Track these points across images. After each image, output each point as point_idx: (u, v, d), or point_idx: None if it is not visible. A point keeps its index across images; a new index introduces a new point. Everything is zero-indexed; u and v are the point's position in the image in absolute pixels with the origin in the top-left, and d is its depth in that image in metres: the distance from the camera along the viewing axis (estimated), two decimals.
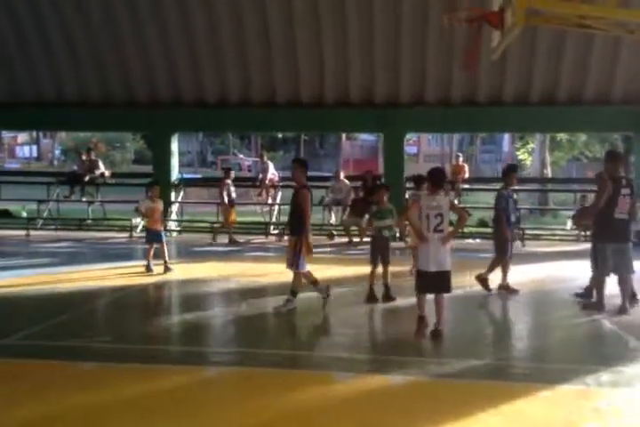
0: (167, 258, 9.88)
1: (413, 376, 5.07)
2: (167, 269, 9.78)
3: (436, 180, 6.26)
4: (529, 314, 8.01)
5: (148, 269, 9.74)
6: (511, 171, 8.74)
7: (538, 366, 5.50)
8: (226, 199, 13.82)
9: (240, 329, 6.88)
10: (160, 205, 10.09)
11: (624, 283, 7.23)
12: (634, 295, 7.53)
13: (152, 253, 9.85)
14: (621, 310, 7.14)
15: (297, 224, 7.27)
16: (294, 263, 7.22)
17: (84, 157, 16.62)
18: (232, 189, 14.00)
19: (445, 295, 6.30)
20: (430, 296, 6.29)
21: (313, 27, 13.39)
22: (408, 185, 14.59)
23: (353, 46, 13.60)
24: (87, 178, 15.81)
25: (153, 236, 9.92)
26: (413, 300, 6.54)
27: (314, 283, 7.48)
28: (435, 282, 6.09)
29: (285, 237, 8.15)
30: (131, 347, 5.87)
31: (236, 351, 5.84)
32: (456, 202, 11.94)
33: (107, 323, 7.21)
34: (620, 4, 5.81)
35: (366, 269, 8.04)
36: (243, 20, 13.47)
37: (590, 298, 7.68)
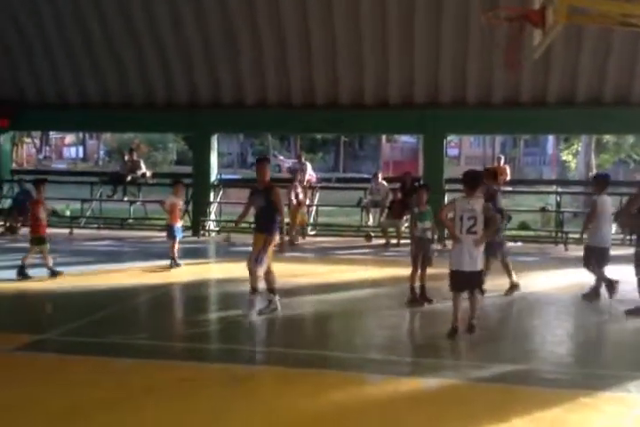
0: (176, 254, 10.17)
1: (447, 379, 5.01)
2: (174, 265, 10.02)
3: (470, 183, 6.38)
4: (569, 319, 7.82)
5: (174, 264, 10.03)
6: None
7: (576, 372, 5.38)
8: (294, 201, 13.75)
9: (274, 329, 6.91)
10: (180, 201, 10.65)
11: None
12: None
13: (176, 247, 10.19)
14: None
15: (269, 222, 7.09)
16: (258, 259, 7.01)
17: (126, 158, 16.96)
18: (299, 190, 13.98)
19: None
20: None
21: (352, 28, 13.36)
22: (447, 187, 14.52)
23: (392, 47, 13.51)
24: (129, 178, 16.11)
25: (173, 231, 10.20)
26: (450, 302, 6.47)
27: (270, 290, 7.26)
28: (468, 281, 6.30)
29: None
30: (167, 344, 5.95)
31: (270, 351, 5.88)
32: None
33: (145, 320, 7.33)
34: None
35: (402, 271, 7.99)
36: (281, 22, 13.53)
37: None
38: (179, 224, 10.57)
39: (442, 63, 13.55)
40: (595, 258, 8.10)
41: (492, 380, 5.05)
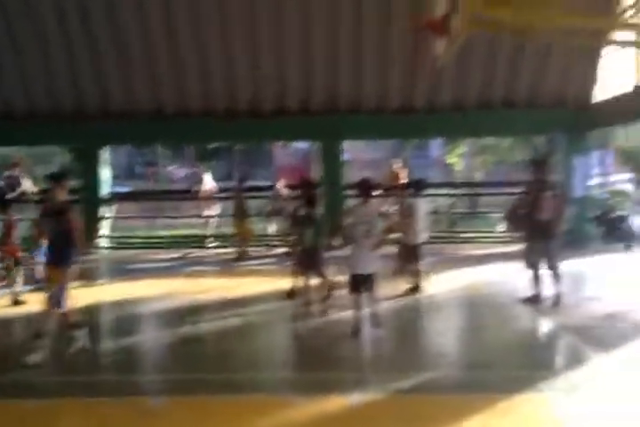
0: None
1: (371, 394, 4.95)
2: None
3: (365, 190, 6.86)
4: (472, 320, 8.06)
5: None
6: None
7: (489, 376, 5.47)
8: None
9: (178, 353, 6.54)
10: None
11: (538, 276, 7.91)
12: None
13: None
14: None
15: (64, 251, 6.16)
16: (59, 301, 6.12)
17: (6, 174, 15.72)
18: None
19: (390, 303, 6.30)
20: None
21: (249, 34, 13.13)
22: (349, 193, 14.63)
23: (290, 55, 13.42)
24: (11, 195, 14.93)
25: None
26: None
27: (71, 326, 6.44)
28: (364, 283, 6.66)
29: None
30: (62, 379, 5.47)
31: (178, 379, 5.53)
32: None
33: (45, 352, 6.73)
34: (566, 12, 5.90)
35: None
36: (175, 27, 13.04)
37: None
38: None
39: (339, 70, 13.66)
40: (411, 254, 8.65)
41: (412, 390, 5.05)
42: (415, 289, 8.83)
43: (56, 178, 6.51)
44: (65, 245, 6.14)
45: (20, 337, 7.17)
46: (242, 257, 12.88)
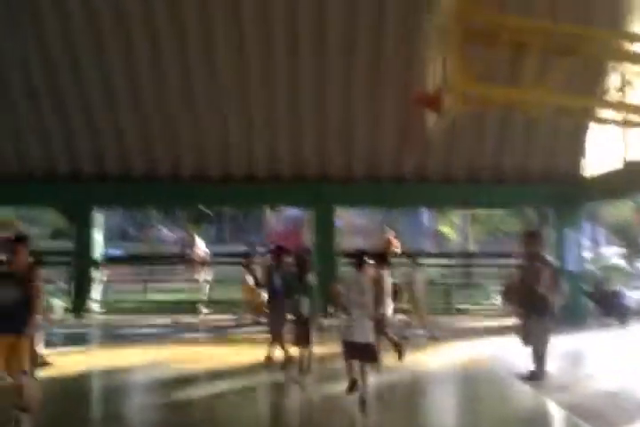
0: None
1: None
2: None
3: (359, 260, 6.97)
4: (473, 396, 7.85)
5: None
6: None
7: None
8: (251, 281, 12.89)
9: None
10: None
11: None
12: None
13: None
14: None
15: (24, 317, 5.74)
16: (24, 371, 5.69)
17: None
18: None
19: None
20: None
21: (241, 98, 13.45)
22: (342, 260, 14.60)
23: (281, 122, 13.72)
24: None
25: None
26: None
27: (23, 409, 5.75)
28: (359, 351, 6.61)
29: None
30: None
31: None
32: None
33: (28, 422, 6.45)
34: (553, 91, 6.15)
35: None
36: (167, 91, 13.29)
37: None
38: None
39: (330, 138, 13.94)
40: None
41: None
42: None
43: (19, 240, 6.11)
44: (25, 309, 5.73)
45: None
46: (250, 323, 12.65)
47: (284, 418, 6.72)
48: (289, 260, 9.25)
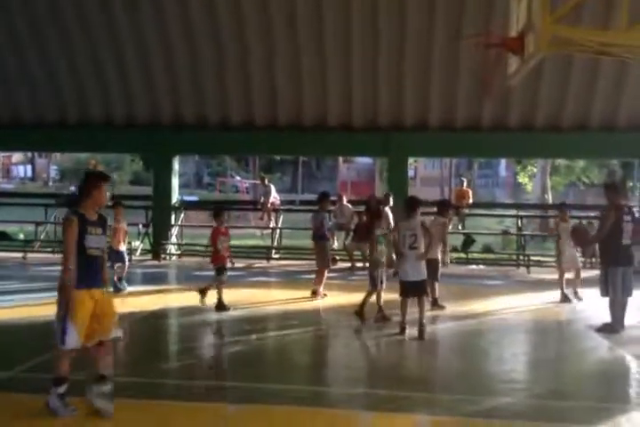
0: (123, 277, 10.07)
1: (440, 416, 4.84)
2: (117, 290, 9.65)
3: (409, 206, 7.64)
4: (549, 346, 7.79)
5: (117, 288, 9.68)
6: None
7: (567, 405, 5.25)
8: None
9: (252, 363, 6.60)
10: (123, 225, 10.28)
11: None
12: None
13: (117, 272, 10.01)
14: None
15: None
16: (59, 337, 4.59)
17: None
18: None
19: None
20: None
21: (318, 51, 13.35)
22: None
23: (356, 70, 13.53)
24: None
25: (115, 256, 9.85)
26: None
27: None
28: (414, 289, 7.42)
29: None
30: (141, 381, 5.59)
31: (251, 387, 5.57)
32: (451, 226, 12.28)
33: (116, 355, 6.91)
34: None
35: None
36: (246, 40, 13.37)
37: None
38: (122, 248, 10.26)
39: (406, 86, 13.65)
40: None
41: (486, 415, 4.89)
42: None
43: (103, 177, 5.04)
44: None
45: None
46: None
47: (358, 361, 6.89)
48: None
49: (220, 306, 8.63)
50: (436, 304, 8.78)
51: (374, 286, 8.03)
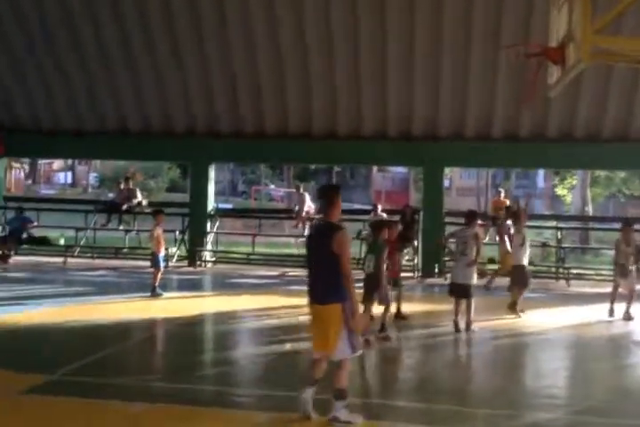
0: (157, 283, 10.33)
1: None
2: (155, 294, 10.12)
3: (466, 218, 8.79)
4: (591, 361, 7.60)
5: (154, 293, 10.09)
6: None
7: (608, 422, 5.12)
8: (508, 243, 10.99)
9: (283, 370, 6.59)
10: (161, 231, 10.68)
11: None
12: None
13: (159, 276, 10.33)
14: None
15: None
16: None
17: (122, 186, 16.74)
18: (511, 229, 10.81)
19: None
20: None
21: (351, 60, 13.34)
22: (447, 220, 14.44)
23: (392, 79, 13.50)
24: (125, 207, 15.87)
25: (157, 260, 10.33)
26: None
27: None
28: (462, 291, 8.26)
29: None
30: (182, 387, 5.63)
31: (282, 395, 5.55)
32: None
33: (154, 360, 7.01)
34: None
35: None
36: (281, 50, 13.49)
37: None
38: (162, 253, 10.57)
39: (442, 96, 13.58)
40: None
41: None
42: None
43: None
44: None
45: None
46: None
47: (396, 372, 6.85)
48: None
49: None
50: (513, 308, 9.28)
51: (386, 300, 7.81)
